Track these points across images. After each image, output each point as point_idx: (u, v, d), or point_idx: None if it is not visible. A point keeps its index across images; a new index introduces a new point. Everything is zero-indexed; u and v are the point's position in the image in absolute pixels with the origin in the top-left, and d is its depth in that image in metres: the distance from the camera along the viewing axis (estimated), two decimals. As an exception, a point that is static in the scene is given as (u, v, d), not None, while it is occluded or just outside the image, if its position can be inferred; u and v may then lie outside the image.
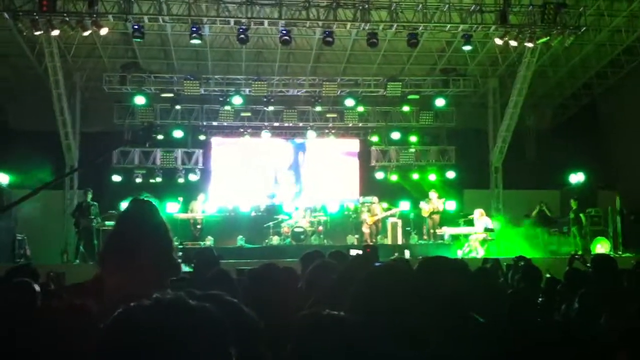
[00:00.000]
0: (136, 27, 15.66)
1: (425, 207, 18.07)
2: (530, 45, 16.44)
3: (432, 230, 17.91)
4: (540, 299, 5.70)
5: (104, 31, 15.33)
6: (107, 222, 15.39)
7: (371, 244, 15.41)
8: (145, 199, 2.75)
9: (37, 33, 15.03)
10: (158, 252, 2.57)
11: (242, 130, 21.10)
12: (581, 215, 17.57)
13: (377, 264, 3.25)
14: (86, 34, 15.32)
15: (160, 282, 2.46)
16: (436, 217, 18.01)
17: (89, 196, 16.25)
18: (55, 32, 15.06)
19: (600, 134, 21.16)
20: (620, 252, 16.56)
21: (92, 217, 15.94)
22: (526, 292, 5.69)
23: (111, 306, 2.41)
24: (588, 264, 8.06)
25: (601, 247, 16.70)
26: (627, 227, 17.38)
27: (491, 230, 16.96)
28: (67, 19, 14.78)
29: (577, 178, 19.86)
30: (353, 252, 5.37)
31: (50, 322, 2.28)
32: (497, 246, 16.87)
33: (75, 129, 18.39)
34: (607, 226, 17.62)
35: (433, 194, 18.28)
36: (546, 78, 20.33)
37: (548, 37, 16.11)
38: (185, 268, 3.44)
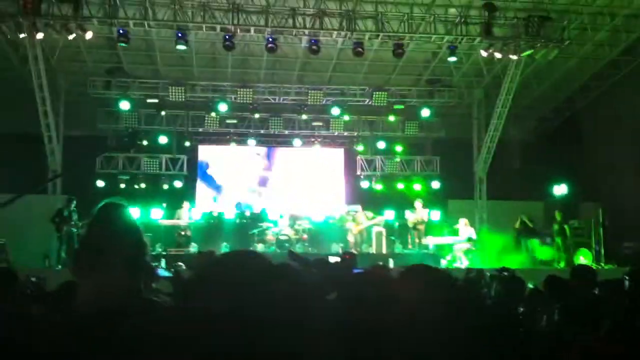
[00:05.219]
0: (121, 31, 15.57)
1: (411, 217, 18.00)
2: (514, 57, 16.54)
3: (417, 240, 17.88)
4: (521, 309, 5.69)
5: (88, 35, 15.18)
6: (89, 228, 15.20)
7: (354, 252, 15.35)
8: (116, 202, 2.75)
9: (21, 36, 14.89)
10: (129, 254, 2.55)
11: (227, 137, 21.05)
12: (565, 226, 17.67)
13: (355, 270, 3.22)
14: (71, 37, 15.21)
15: (133, 284, 2.47)
16: (421, 227, 17.94)
17: (73, 204, 15.99)
18: (40, 36, 14.90)
19: (583, 146, 21.31)
20: (602, 264, 16.66)
21: (73, 222, 15.76)
22: (507, 303, 5.68)
23: (84, 309, 2.39)
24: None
25: (583, 259, 16.79)
26: (609, 239, 17.52)
27: (475, 240, 16.99)
28: (51, 22, 14.65)
29: (560, 190, 19.95)
30: (332, 259, 5.32)
31: None
32: (482, 256, 16.90)
33: (59, 132, 18.19)
34: (590, 238, 17.71)
35: (418, 204, 18.21)
36: (530, 90, 20.43)
37: (532, 50, 16.23)
38: (165, 273, 3.44)
